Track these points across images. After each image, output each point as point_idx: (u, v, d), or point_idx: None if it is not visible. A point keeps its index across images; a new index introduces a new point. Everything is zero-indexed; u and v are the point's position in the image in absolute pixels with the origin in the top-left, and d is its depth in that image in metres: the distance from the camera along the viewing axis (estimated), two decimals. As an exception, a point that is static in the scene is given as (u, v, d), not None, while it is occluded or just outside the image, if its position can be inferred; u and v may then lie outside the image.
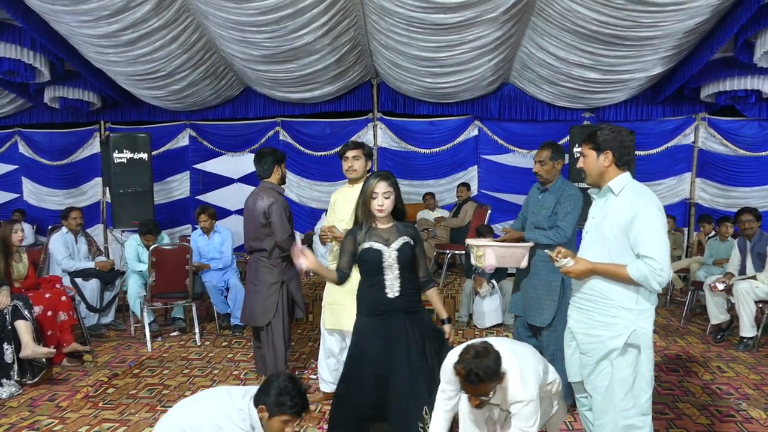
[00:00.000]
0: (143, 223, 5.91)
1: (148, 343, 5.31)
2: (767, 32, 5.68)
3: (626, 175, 2.55)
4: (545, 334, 3.65)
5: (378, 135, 8.95)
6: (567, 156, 7.69)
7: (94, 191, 9.38)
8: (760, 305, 5.22)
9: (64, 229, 5.95)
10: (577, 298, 2.63)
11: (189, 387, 4.33)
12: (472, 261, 3.62)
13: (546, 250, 2.76)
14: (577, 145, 6.64)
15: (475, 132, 8.80)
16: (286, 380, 2.45)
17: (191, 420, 2.47)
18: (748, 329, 5.19)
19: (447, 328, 2.97)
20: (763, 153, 8.27)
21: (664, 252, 2.35)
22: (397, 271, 2.81)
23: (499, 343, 2.62)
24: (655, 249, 2.34)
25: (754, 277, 5.27)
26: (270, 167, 4.17)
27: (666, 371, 4.61)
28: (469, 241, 3.77)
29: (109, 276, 5.95)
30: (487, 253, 3.48)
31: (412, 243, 2.86)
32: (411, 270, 2.90)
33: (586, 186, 2.79)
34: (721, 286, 5.38)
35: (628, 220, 2.40)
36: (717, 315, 5.52)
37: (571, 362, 2.69)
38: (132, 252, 5.81)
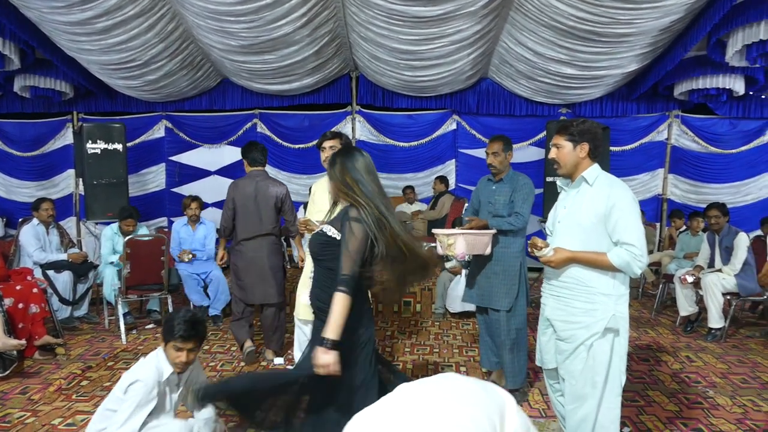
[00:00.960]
0: (123, 208, 5.87)
1: (123, 336, 5.25)
2: (739, 32, 5.80)
3: (597, 166, 2.63)
4: (505, 319, 3.76)
5: (357, 128, 8.95)
6: (544, 150, 7.83)
7: (66, 183, 9.22)
8: (728, 297, 5.36)
9: (35, 221, 5.84)
10: (553, 286, 2.67)
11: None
12: (440, 251, 3.65)
13: (529, 241, 2.81)
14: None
15: (454, 126, 8.85)
16: (182, 312, 2.72)
17: (121, 383, 2.67)
18: (716, 320, 5.32)
19: (319, 351, 2.17)
20: (733, 150, 8.47)
21: (642, 239, 2.44)
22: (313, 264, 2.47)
23: (429, 410, 1.65)
24: (634, 236, 2.42)
25: (721, 270, 5.41)
26: (266, 156, 4.54)
27: (637, 361, 4.70)
28: (435, 231, 3.79)
29: (82, 268, 5.86)
30: (458, 242, 3.54)
31: (327, 231, 2.36)
32: (327, 266, 2.36)
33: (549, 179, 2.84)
34: (690, 279, 5.51)
35: (606, 209, 2.46)
36: (686, 307, 5.65)
37: (546, 349, 2.74)
38: (108, 242, 5.74)
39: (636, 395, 3.95)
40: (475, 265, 3.95)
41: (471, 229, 3.68)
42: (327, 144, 3.74)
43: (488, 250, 3.69)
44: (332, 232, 2.33)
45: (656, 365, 4.64)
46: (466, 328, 5.74)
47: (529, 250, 2.70)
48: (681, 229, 7.33)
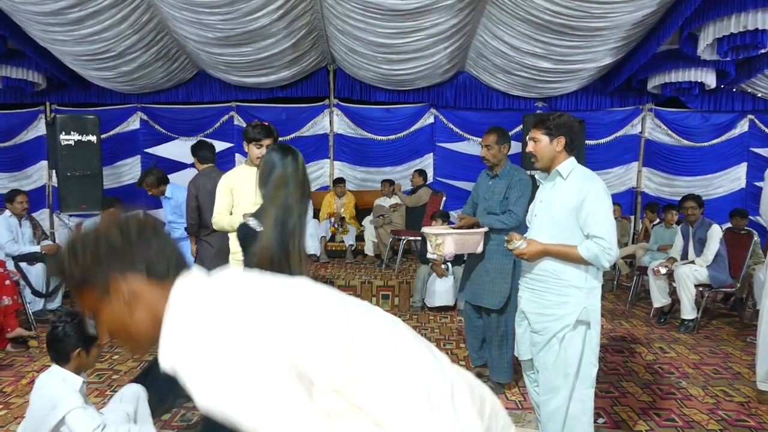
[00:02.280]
0: (105, 199, 5.76)
1: (98, 329, 5.19)
2: (710, 25, 5.88)
3: (573, 160, 2.66)
4: (494, 316, 3.73)
5: (334, 121, 8.92)
6: (521, 144, 7.90)
7: (39, 175, 9.06)
8: (700, 289, 5.45)
9: (7, 212, 5.74)
10: (528, 279, 2.71)
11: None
12: (430, 250, 3.57)
13: (505, 237, 2.82)
14: (529, 133, 6.80)
15: (431, 120, 8.88)
16: (62, 321, 2.34)
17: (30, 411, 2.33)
18: (688, 312, 5.41)
19: None
20: (705, 144, 8.63)
21: (612, 232, 2.47)
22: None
23: None
24: (604, 229, 2.45)
25: (693, 262, 5.50)
26: (215, 153, 4.93)
27: (611, 352, 4.77)
28: (425, 230, 3.72)
29: (56, 261, 5.77)
30: (447, 242, 3.47)
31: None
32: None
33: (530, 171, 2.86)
34: (663, 270, 5.60)
35: (578, 202, 2.50)
36: (659, 299, 5.74)
37: (522, 341, 2.77)
38: None
39: (610, 386, 4.00)
40: (470, 262, 3.91)
41: (461, 227, 3.63)
42: (265, 143, 3.62)
43: (480, 248, 3.63)
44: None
45: (630, 356, 4.71)
46: (444, 321, 5.77)
47: (505, 245, 2.73)
48: (655, 222, 7.45)
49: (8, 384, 3.96)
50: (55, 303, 5.84)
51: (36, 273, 5.58)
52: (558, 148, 2.61)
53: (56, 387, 2.24)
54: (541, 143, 2.64)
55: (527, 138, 2.77)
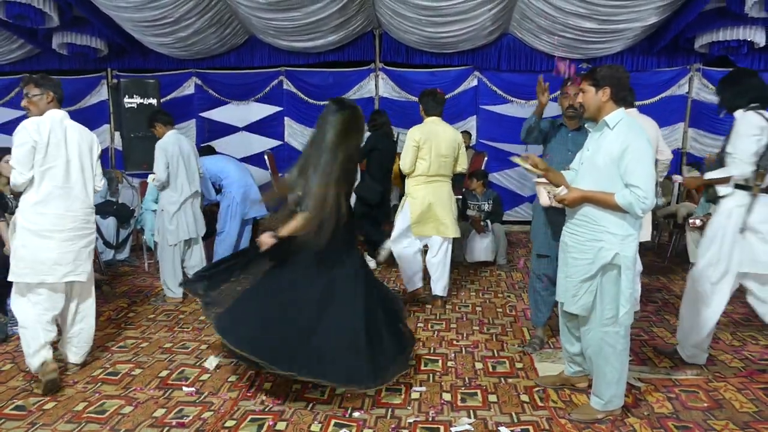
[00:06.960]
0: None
1: (163, 277, 5.64)
2: (759, -19, 5.82)
3: (621, 111, 2.77)
4: None
5: (380, 85, 9.12)
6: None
7: (102, 138, 9.56)
8: (738, 245, 5.50)
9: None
10: (571, 225, 2.90)
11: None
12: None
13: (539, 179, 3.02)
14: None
15: (475, 82, 8.98)
16: None
17: None
18: (725, 267, 5.48)
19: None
20: (754, 104, 8.45)
21: (649, 181, 2.59)
22: None
23: None
24: (641, 179, 2.58)
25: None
26: None
27: (645, 302, 4.92)
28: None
29: (125, 215, 6.26)
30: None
31: None
32: None
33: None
34: (698, 223, 5.67)
35: (620, 152, 2.64)
36: (696, 253, 5.81)
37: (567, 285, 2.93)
38: (153, 190, 6.04)
39: (640, 331, 4.20)
40: (560, 214, 3.47)
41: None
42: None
43: None
44: None
45: (663, 306, 4.89)
46: (483, 275, 6.02)
47: (549, 192, 2.93)
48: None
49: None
50: (124, 254, 6.36)
51: (107, 225, 6.08)
52: (603, 98, 2.73)
53: None
54: (588, 94, 2.78)
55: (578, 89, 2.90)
